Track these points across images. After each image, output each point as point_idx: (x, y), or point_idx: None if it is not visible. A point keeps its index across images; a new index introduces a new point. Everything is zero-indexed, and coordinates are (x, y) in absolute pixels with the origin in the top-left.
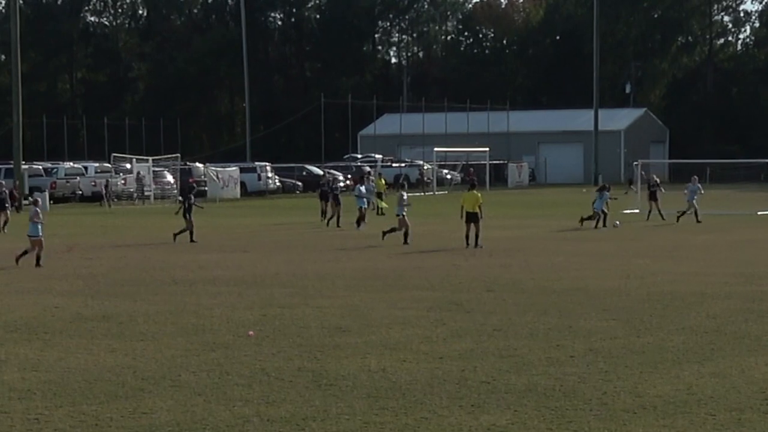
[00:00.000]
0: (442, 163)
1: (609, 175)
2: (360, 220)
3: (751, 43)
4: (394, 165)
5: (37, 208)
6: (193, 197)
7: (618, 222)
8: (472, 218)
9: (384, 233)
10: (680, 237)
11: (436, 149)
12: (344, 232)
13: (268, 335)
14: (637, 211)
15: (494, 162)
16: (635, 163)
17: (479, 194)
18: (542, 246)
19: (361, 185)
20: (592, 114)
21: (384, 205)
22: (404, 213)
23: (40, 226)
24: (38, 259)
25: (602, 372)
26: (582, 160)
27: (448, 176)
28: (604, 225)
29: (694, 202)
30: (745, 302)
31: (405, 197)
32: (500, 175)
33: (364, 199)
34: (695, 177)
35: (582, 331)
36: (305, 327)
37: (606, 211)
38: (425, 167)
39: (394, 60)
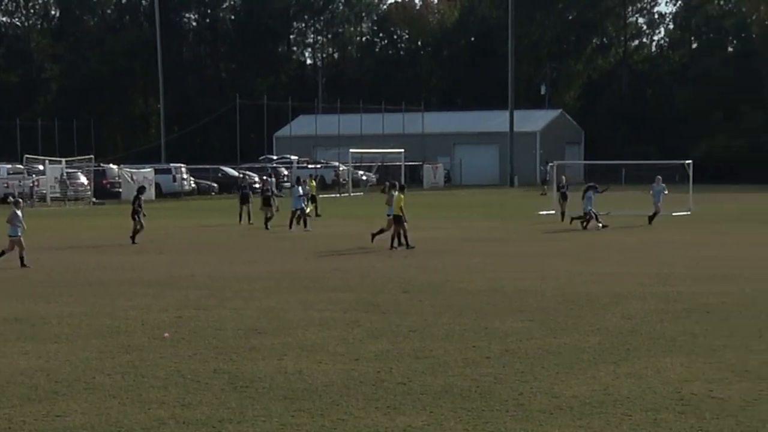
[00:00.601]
0: (358, 164)
1: (525, 176)
2: (299, 220)
3: (666, 44)
4: (309, 166)
5: (18, 211)
6: (142, 198)
7: (600, 225)
8: (395, 219)
9: (373, 235)
10: (596, 238)
11: (351, 150)
12: (267, 234)
13: (184, 337)
14: (552, 212)
15: (409, 163)
16: (550, 164)
17: (402, 196)
18: (458, 247)
19: (299, 186)
20: (508, 115)
21: (309, 209)
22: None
23: (19, 228)
24: (22, 259)
25: (518, 373)
26: (498, 161)
27: (364, 177)
28: (598, 222)
29: (660, 203)
30: (661, 303)
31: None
32: (416, 176)
33: (302, 201)
34: (659, 177)
35: (498, 332)
36: (221, 329)
37: (594, 211)
38: (341, 168)
39: (309, 61)
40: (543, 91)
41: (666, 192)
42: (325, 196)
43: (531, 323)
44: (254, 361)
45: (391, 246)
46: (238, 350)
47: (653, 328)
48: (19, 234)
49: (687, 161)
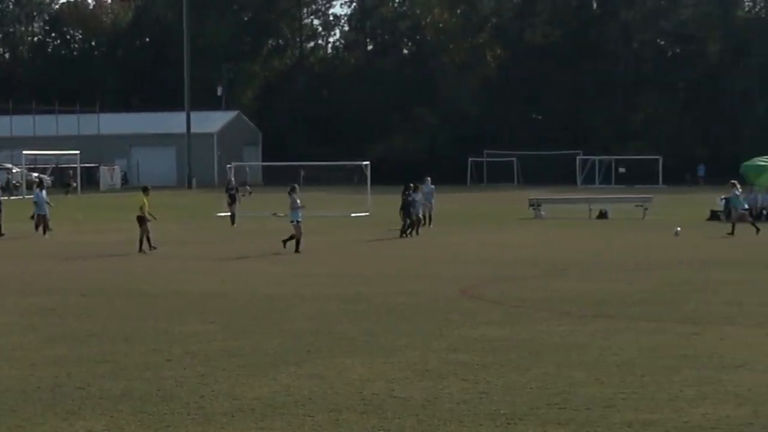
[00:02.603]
0: (32, 166)
1: (203, 178)
2: (45, 227)
3: (341, 46)
4: None
5: (41, 191)
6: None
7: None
8: (138, 221)
9: (284, 242)
10: (275, 240)
11: (24, 152)
12: None
13: None
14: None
15: (85, 165)
16: (228, 165)
17: (141, 198)
18: (131, 249)
19: (41, 191)
20: (185, 116)
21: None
22: (299, 219)
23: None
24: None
25: (199, 375)
26: (175, 162)
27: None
28: None
29: (433, 203)
30: (342, 303)
31: (298, 201)
32: (92, 178)
33: (45, 206)
34: (428, 178)
35: (179, 335)
36: None
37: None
38: (14, 170)
39: None
40: (219, 92)
41: (433, 197)
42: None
43: (212, 325)
44: None
45: (139, 248)
46: None
47: (334, 328)
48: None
49: (365, 162)
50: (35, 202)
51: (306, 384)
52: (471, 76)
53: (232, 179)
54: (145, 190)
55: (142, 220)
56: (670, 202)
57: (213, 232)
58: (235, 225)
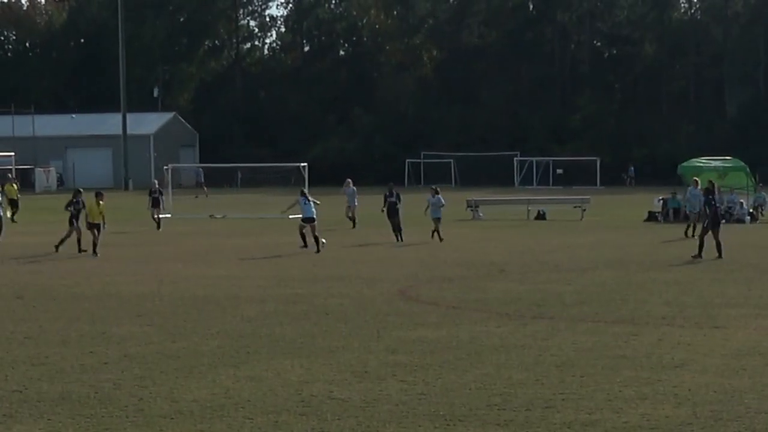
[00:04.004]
0: None
1: (140, 179)
2: None
3: (278, 47)
4: None
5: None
6: (81, 202)
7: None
8: (92, 226)
9: (319, 244)
10: (212, 241)
11: None
12: None
13: None
14: (168, 215)
15: (21, 167)
16: (165, 167)
17: (101, 203)
18: (72, 251)
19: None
20: (121, 118)
21: (8, 214)
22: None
23: None
24: None
25: (137, 378)
26: (111, 164)
27: None
28: None
29: (356, 204)
30: (279, 305)
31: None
32: (27, 180)
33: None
34: (349, 180)
35: (115, 337)
36: None
37: None
38: None
39: None
40: (156, 93)
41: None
42: None
43: (149, 328)
44: None
45: (80, 250)
46: None
47: (273, 330)
48: None
49: (302, 164)
50: None
51: (245, 386)
52: (407, 77)
53: (156, 182)
54: (97, 195)
55: (95, 226)
56: (608, 203)
57: (148, 234)
58: (161, 229)
